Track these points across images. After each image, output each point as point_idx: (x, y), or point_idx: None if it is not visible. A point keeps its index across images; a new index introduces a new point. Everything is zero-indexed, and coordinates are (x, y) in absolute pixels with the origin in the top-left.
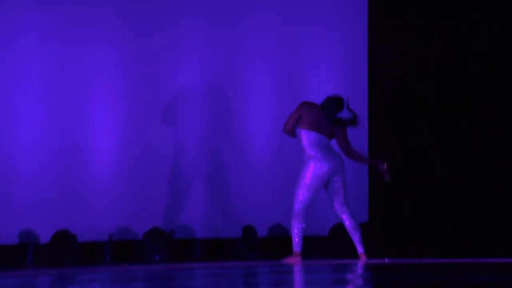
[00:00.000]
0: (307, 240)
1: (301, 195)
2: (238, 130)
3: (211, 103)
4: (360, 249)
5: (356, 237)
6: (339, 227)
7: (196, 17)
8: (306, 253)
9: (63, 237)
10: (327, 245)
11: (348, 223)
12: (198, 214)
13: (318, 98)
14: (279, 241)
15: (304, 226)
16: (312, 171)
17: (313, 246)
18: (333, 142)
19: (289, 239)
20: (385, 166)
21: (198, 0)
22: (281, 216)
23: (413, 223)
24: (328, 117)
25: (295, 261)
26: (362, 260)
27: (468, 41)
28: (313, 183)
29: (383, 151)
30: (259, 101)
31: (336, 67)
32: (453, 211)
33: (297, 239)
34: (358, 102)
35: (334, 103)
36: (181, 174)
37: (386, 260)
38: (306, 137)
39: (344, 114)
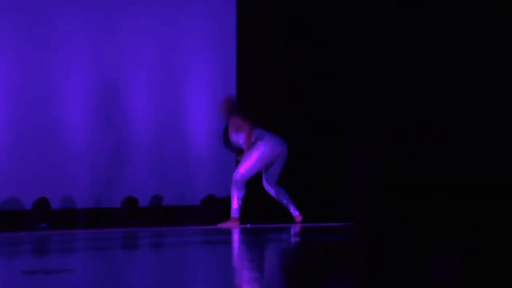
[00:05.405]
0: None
1: (247, 169)
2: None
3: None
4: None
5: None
6: (210, 198)
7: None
8: (182, 220)
9: None
10: (199, 213)
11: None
12: (81, 185)
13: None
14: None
15: (243, 194)
16: (264, 151)
17: (188, 214)
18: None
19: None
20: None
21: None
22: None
23: None
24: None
25: (233, 225)
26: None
27: None
28: (263, 162)
29: None
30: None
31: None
32: None
33: (236, 206)
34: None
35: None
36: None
37: (248, 225)
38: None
39: None
